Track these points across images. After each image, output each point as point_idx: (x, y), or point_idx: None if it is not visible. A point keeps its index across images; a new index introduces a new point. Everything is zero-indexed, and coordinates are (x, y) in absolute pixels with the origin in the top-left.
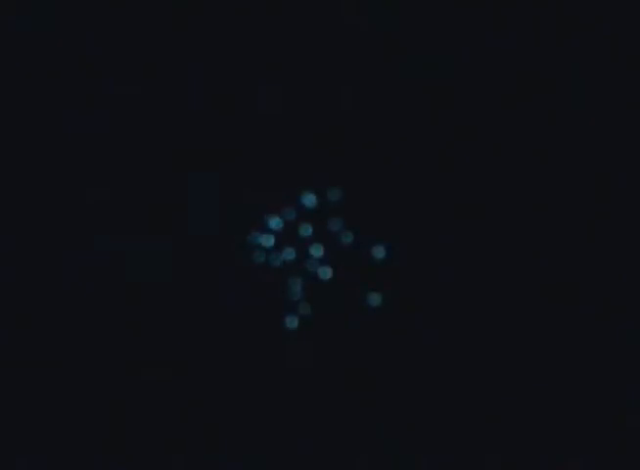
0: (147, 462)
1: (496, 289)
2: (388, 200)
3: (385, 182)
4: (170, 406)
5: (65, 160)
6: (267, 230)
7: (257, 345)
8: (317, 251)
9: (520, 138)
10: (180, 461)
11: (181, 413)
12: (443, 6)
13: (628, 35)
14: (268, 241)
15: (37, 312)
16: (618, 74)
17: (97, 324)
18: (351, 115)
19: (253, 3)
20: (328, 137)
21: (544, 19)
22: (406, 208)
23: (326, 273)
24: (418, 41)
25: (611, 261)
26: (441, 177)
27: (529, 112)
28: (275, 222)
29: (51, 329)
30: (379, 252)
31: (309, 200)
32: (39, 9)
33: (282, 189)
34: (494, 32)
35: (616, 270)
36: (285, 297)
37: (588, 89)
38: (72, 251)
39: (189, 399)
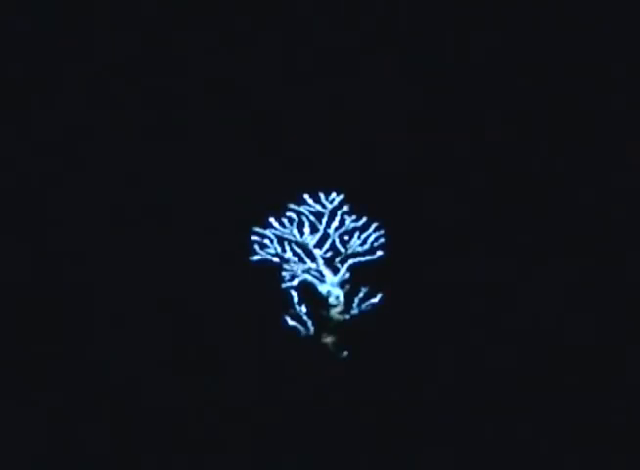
0: (149, 462)
1: (496, 290)
2: (388, 201)
3: (384, 184)
4: (169, 406)
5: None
6: (268, 231)
7: (257, 344)
8: (318, 252)
9: (516, 140)
10: (181, 462)
11: (178, 412)
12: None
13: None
14: (270, 242)
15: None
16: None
17: (96, 323)
18: (354, 119)
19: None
20: (329, 140)
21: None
22: (406, 209)
23: (326, 275)
24: (419, 44)
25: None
26: (440, 178)
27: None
28: (276, 223)
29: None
30: (378, 253)
31: (310, 202)
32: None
33: (283, 190)
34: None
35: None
36: (285, 297)
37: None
38: (75, 251)
39: (188, 396)
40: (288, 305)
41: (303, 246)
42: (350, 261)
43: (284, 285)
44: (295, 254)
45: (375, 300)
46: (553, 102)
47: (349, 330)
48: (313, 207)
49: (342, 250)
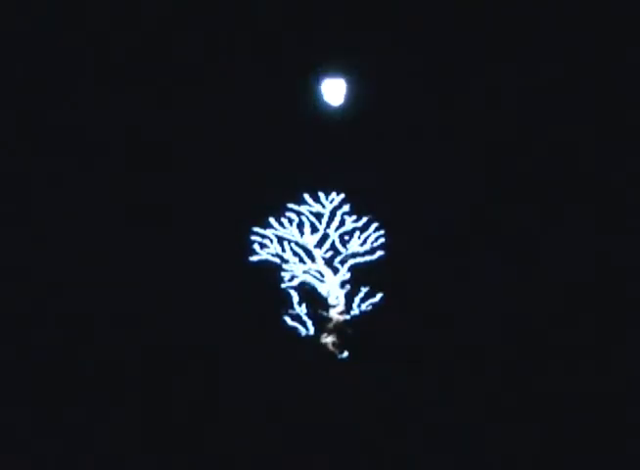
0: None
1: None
2: (388, 202)
3: (384, 185)
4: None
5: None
6: (268, 231)
7: (257, 344)
8: (318, 252)
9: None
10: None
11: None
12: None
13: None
14: (270, 242)
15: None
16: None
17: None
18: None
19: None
20: (330, 142)
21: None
22: (405, 210)
23: (326, 275)
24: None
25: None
26: (439, 180)
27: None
28: (276, 223)
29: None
30: (379, 254)
31: (310, 202)
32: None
33: (283, 191)
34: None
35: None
36: (285, 297)
37: None
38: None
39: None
40: (288, 305)
41: (303, 246)
42: (350, 262)
43: (284, 285)
44: (295, 254)
45: (375, 300)
46: (549, 103)
47: (349, 330)
48: (313, 207)
49: (343, 250)
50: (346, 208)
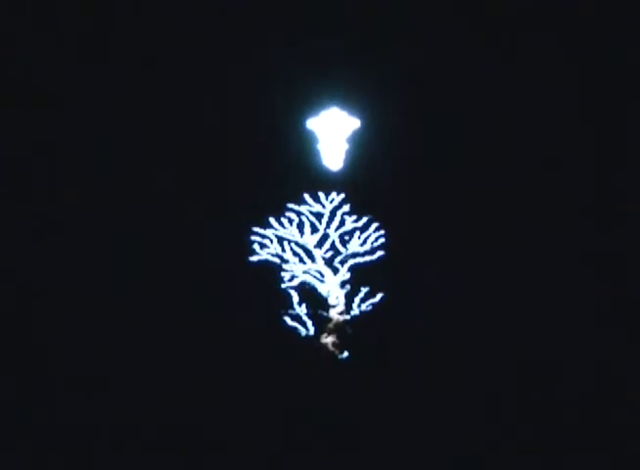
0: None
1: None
2: (387, 202)
3: (383, 185)
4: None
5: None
6: (268, 231)
7: (256, 344)
8: (318, 252)
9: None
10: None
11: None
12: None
13: None
14: (270, 242)
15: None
16: None
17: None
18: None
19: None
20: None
21: None
22: (405, 211)
23: (326, 275)
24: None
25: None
26: (438, 181)
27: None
28: (276, 223)
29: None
30: (379, 254)
31: (310, 202)
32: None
33: (284, 192)
34: None
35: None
36: (285, 297)
37: None
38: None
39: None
40: (288, 305)
41: (303, 246)
42: (350, 262)
43: (284, 285)
44: (295, 254)
45: (375, 300)
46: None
47: (349, 330)
48: (313, 207)
49: (343, 250)
50: (346, 208)
